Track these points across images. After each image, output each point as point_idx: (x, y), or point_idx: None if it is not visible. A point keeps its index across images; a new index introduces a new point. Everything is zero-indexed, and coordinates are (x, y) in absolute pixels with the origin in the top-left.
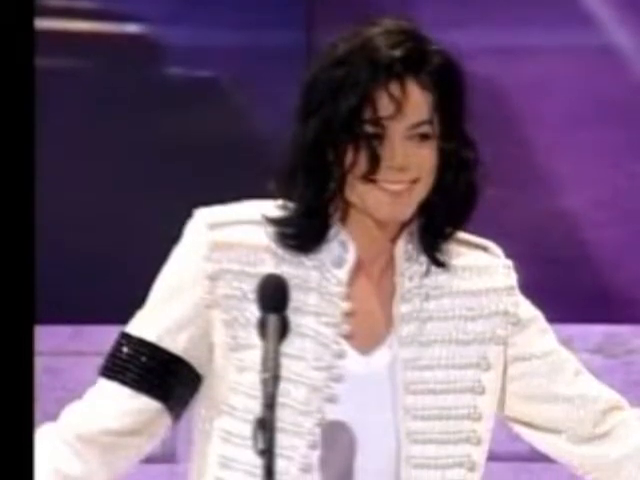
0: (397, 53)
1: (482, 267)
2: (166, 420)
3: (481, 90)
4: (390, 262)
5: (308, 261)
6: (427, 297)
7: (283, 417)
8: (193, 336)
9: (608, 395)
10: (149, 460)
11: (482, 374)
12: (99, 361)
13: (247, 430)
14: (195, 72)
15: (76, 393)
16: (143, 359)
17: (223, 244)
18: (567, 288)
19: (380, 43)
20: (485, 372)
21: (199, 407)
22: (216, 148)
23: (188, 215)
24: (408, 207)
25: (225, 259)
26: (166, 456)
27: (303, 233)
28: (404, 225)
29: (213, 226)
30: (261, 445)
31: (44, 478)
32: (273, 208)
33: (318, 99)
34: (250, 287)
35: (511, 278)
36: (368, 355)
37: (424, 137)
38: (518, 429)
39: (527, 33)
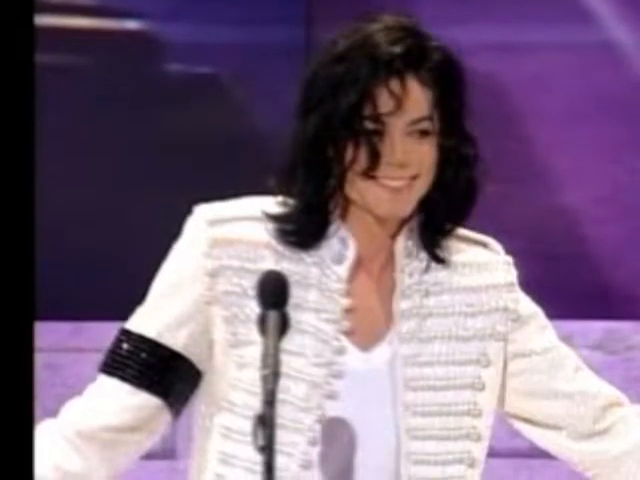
0: (397, 49)
1: (482, 263)
2: (166, 416)
3: (481, 86)
4: (390, 258)
5: (308, 257)
6: (427, 293)
7: (283, 414)
8: (193, 332)
9: (608, 391)
10: (149, 456)
11: (482, 370)
12: (99, 357)
13: (247, 426)
14: (195, 68)
15: (76, 389)
16: (143, 355)
17: (223, 240)
18: (567, 284)
19: (380, 39)
20: (485, 368)
21: (199, 403)
22: (216, 144)
23: (188, 212)
24: (408, 203)
25: (225, 255)
26: (166, 452)
27: (303, 229)
28: (404, 221)
29: (213, 222)
30: (261, 442)
31: (44, 474)
32: (273, 204)
33: (318, 95)
34: (250, 283)
35: (511, 274)
36: (368, 351)
37: (424, 133)
38: (518, 425)
39: (527, 29)
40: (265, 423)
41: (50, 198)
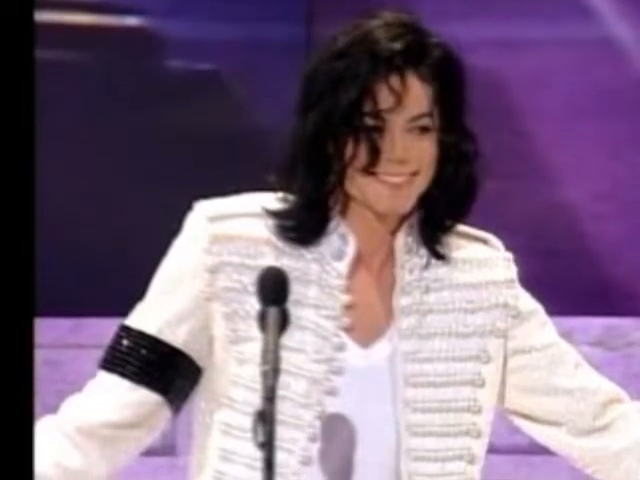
0: (397, 46)
1: (482, 260)
2: (166, 413)
3: (481, 83)
4: (390, 255)
5: (308, 254)
6: (427, 290)
7: (283, 410)
8: (193, 329)
9: (608, 388)
10: (149, 453)
11: (482, 367)
12: (99, 354)
13: (247, 423)
14: (195, 65)
15: (76, 386)
16: (143, 352)
17: (223, 237)
18: (567, 281)
19: (380, 36)
20: (485, 365)
21: (199, 400)
22: (216, 141)
23: (188, 208)
24: (408, 200)
25: (225, 252)
26: (166, 449)
27: (303, 226)
28: (404, 218)
29: (213, 219)
30: (261, 438)
31: (44, 471)
32: (273, 201)
33: (318, 92)
34: (250, 280)
35: (511, 271)
36: (368, 348)
37: (424, 130)
38: (518, 422)
39: (527, 26)
40: (265, 419)
41: (50, 195)
